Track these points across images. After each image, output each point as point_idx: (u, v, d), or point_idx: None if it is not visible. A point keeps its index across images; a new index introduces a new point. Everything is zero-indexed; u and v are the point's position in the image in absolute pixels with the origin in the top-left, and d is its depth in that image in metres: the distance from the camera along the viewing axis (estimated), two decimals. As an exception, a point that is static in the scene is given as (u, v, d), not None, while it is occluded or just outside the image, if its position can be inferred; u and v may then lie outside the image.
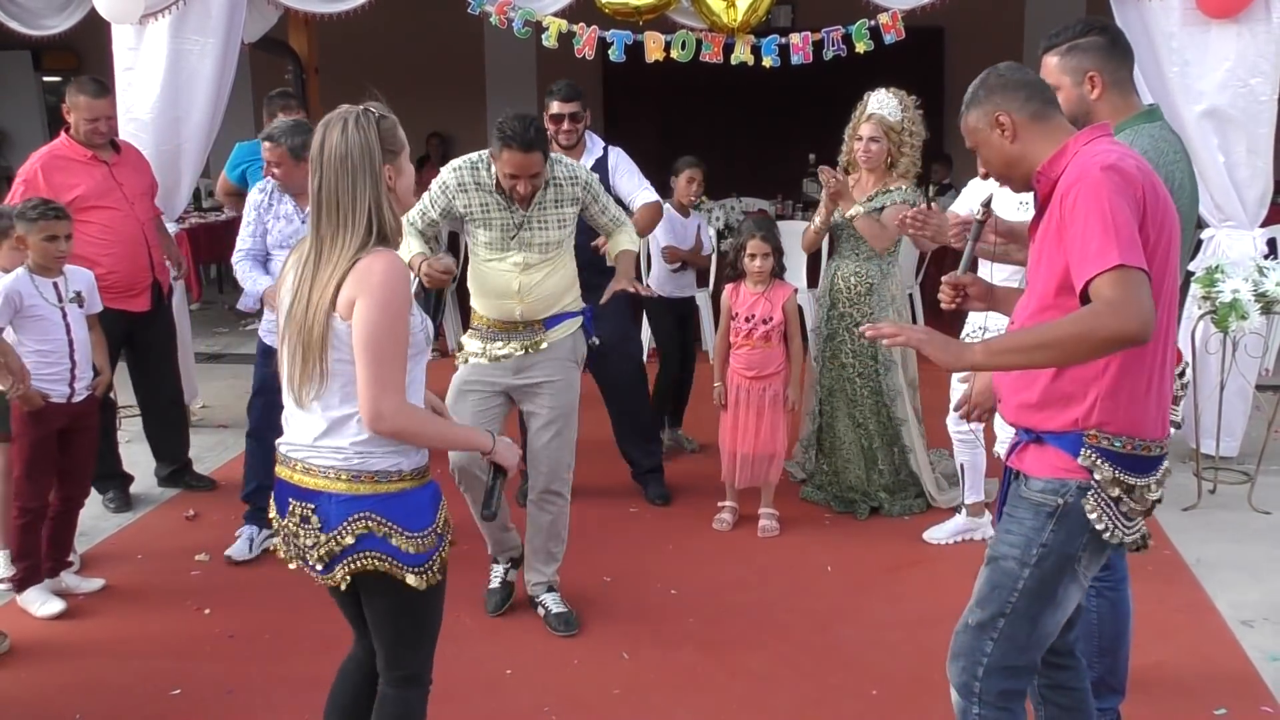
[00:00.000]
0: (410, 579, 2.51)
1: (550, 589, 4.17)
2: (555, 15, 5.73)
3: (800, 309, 5.00)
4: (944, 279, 2.82)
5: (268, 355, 4.69)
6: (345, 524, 2.47)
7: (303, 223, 4.61)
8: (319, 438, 2.50)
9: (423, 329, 2.56)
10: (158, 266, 5.26)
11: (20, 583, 4.21)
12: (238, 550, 4.69)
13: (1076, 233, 2.30)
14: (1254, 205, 5.43)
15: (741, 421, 4.86)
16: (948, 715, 3.46)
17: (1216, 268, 5.06)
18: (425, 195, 4.00)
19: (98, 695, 3.67)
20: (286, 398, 2.56)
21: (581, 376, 4.19)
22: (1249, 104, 5.27)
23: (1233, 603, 4.17)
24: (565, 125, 4.99)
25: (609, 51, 5.71)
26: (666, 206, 5.56)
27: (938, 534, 4.76)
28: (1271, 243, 6.11)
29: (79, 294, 4.23)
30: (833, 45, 5.61)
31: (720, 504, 5.05)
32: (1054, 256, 2.39)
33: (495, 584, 4.29)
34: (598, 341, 4.19)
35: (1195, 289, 5.08)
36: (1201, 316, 5.08)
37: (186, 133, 5.97)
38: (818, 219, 5.00)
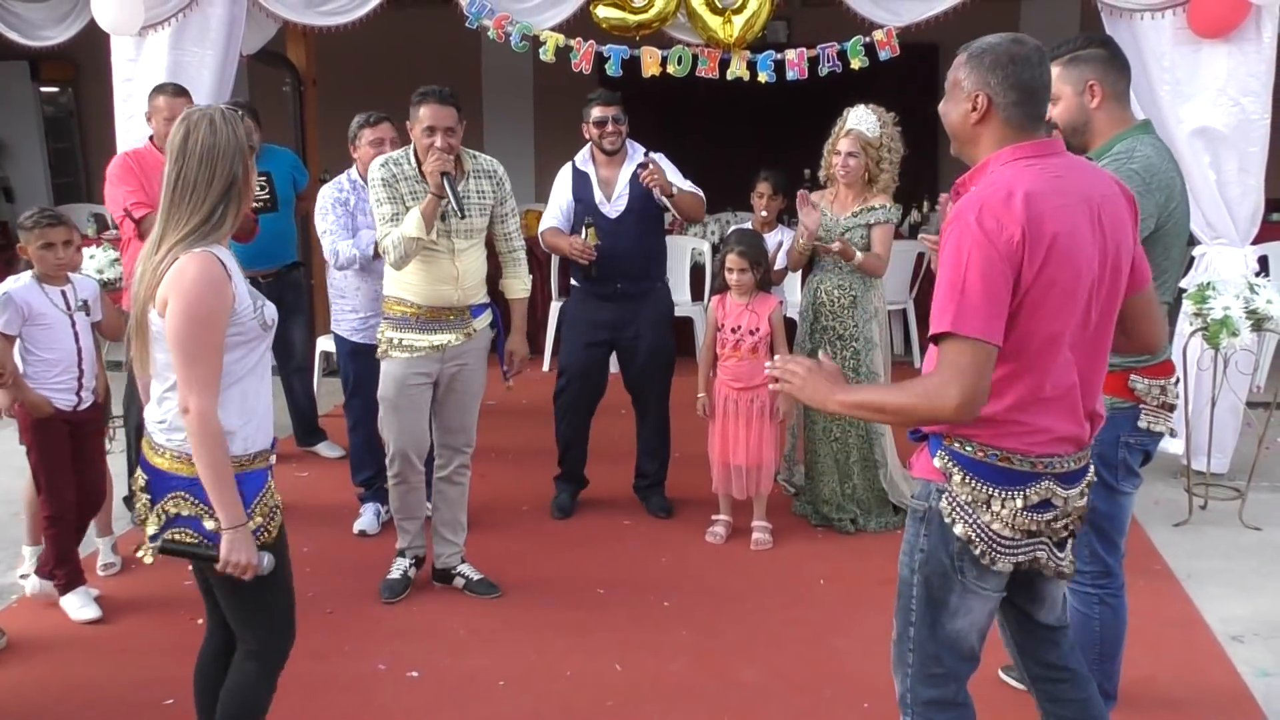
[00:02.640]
0: (222, 544, 2.63)
1: (463, 559, 4.50)
2: (552, 30, 5.76)
3: (786, 320, 5.00)
4: None
5: (354, 354, 4.99)
6: (165, 499, 2.69)
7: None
8: (153, 409, 2.73)
9: (256, 316, 2.69)
10: None
11: (63, 587, 4.29)
12: (367, 524, 5.09)
13: (940, 277, 2.28)
14: (1245, 223, 5.46)
15: (730, 433, 4.87)
16: (939, 728, 3.50)
17: (1208, 284, 5.09)
18: (376, 205, 4.18)
19: (91, 703, 3.68)
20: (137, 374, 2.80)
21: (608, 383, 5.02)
22: (1240, 122, 5.30)
23: (1223, 618, 4.19)
24: (609, 128, 5.04)
25: (606, 66, 5.74)
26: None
27: None
28: (1263, 260, 6.15)
29: (85, 302, 4.25)
30: (828, 62, 5.64)
31: (714, 517, 5.06)
32: None
33: (396, 575, 4.47)
34: (500, 333, 4.50)
35: (1187, 305, 5.11)
36: (1193, 333, 5.12)
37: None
38: (800, 240, 4.97)
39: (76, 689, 3.77)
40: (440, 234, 4.11)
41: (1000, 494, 2.36)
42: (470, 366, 4.32)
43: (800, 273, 6.63)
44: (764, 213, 5.71)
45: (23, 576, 4.48)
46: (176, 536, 2.69)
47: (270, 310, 2.77)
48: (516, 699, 3.70)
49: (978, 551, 2.38)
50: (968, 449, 2.37)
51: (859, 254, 4.82)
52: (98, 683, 3.81)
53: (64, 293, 4.19)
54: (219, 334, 2.60)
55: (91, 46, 6.30)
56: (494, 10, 5.74)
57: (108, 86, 6.02)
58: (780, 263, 5.61)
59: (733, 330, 4.82)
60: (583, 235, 4.97)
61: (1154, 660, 3.83)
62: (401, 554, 4.50)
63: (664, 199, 4.96)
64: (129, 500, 4.99)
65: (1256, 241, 5.60)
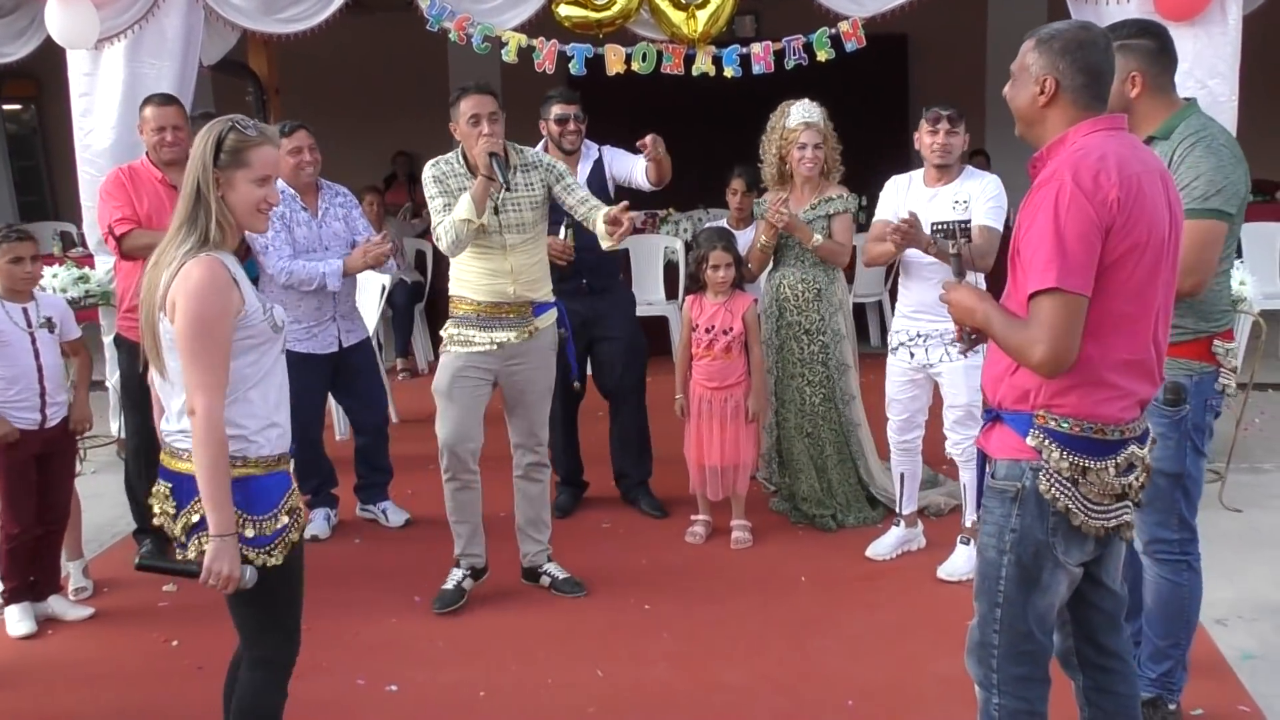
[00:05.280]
0: (254, 558, 2.65)
1: (549, 557, 4.47)
2: (515, 30, 5.71)
3: (759, 319, 4.97)
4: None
5: (296, 365, 4.84)
6: (194, 503, 2.65)
7: (320, 228, 4.93)
8: (172, 421, 2.73)
9: (266, 318, 2.72)
10: None
11: (7, 597, 4.27)
12: (318, 529, 5.05)
13: (1033, 236, 2.38)
14: (1215, 204, 5.44)
15: (706, 433, 4.83)
16: (923, 725, 3.47)
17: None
18: (430, 200, 4.20)
19: (62, 731, 3.62)
20: (153, 382, 2.79)
21: (586, 386, 5.01)
22: (1208, 105, 5.23)
23: (1206, 601, 4.09)
24: (570, 126, 5.02)
25: (569, 65, 5.69)
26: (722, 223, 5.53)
27: (880, 550, 4.65)
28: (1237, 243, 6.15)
29: (49, 319, 4.21)
30: (794, 54, 5.61)
31: (693, 517, 5.02)
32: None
33: (450, 586, 4.38)
34: (567, 332, 4.49)
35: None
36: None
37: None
38: (763, 237, 4.91)
39: (48, 715, 3.70)
40: (491, 230, 4.08)
41: (1095, 464, 2.47)
42: (533, 366, 4.27)
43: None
44: (737, 209, 5.66)
45: None
46: (207, 541, 2.64)
47: (279, 312, 2.81)
48: (498, 709, 3.65)
49: (1077, 523, 2.48)
50: (1064, 425, 2.46)
51: (817, 236, 4.75)
52: (70, 709, 3.74)
53: (25, 310, 4.15)
54: (225, 336, 2.61)
55: (52, 62, 6.22)
56: (454, 12, 5.69)
57: (68, 104, 5.94)
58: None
59: (707, 330, 4.78)
60: (561, 235, 4.89)
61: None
62: (457, 563, 4.42)
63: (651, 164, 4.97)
64: (139, 533, 4.95)
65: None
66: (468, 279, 4.21)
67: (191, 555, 2.67)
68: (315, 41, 6.03)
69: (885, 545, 4.66)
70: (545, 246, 4.33)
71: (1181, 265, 2.90)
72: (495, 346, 4.19)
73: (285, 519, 2.72)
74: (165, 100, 4.82)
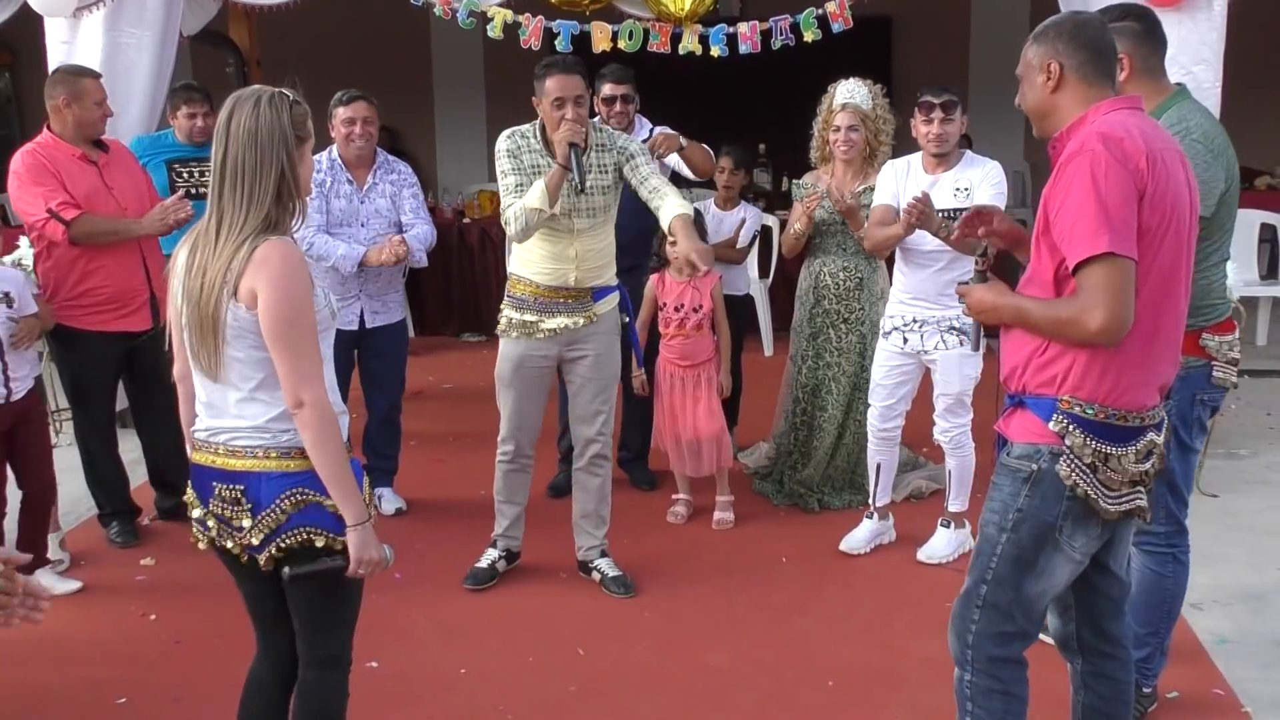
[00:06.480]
0: (351, 542, 2.49)
1: (604, 553, 4.35)
2: (500, 5, 5.66)
3: (752, 299, 4.95)
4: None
5: None
6: (278, 500, 2.49)
7: (361, 203, 4.80)
8: (240, 418, 2.51)
9: (326, 305, 2.56)
10: (155, 279, 4.59)
11: None
12: None
13: (1070, 208, 2.35)
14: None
15: (679, 408, 4.81)
16: (903, 705, 3.50)
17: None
18: (501, 177, 4.06)
19: (39, 703, 3.60)
20: (198, 380, 2.56)
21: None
22: (1193, 90, 5.28)
23: (1182, 586, 4.20)
24: (618, 107, 4.91)
25: (555, 42, 5.65)
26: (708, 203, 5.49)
27: (854, 543, 4.59)
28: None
29: (7, 294, 4.12)
30: (780, 34, 5.59)
31: (674, 496, 5.02)
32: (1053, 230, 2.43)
33: (484, 564, 4.35)
34: (629, 317, 4.39)
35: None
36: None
37: (124, 129, 5.80)
38: (798, 225, 4.81)
39: (24, 691, 3.68)
40: (561, 213, 3.97)
41: (1116, 450, 2.47)
42: (596, 352, 4.17)
43: (758, 250, 6.57)
44: (724, 188, 5.62)
45: None
46: (297, 538, 2.49)
47: (333, 299, 2.65)
48: (479, 688, 3.65)
49: (1096, 508, 2.47)
50: (1089, 411, 2.45)
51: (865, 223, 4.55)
52: (46, 684, 3.72)
53: None
54: (314, 321, 2.47)
55: (29, 30, 6.11)
56: (440, -14, 5.64)
57: (45, 72, 5.85)
58: (744, 240, 5.55)
59: (676, 309, 4.75)
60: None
61: (1116, 630, 3.83)
62: (494, 543, 4.40)
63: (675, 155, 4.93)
64: (105, 516, 4.85)
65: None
66: (530, 260, 4.11)
67: (273, 555, 2.50)
68: (296, 14, 5.96)
69: (859, 539, 4.60)
70: (613, 230, 4.19)
71: None
72: (553, 332, 4.11)
73: (367, 503, 2.57)
74: (90, 72, 4.63)
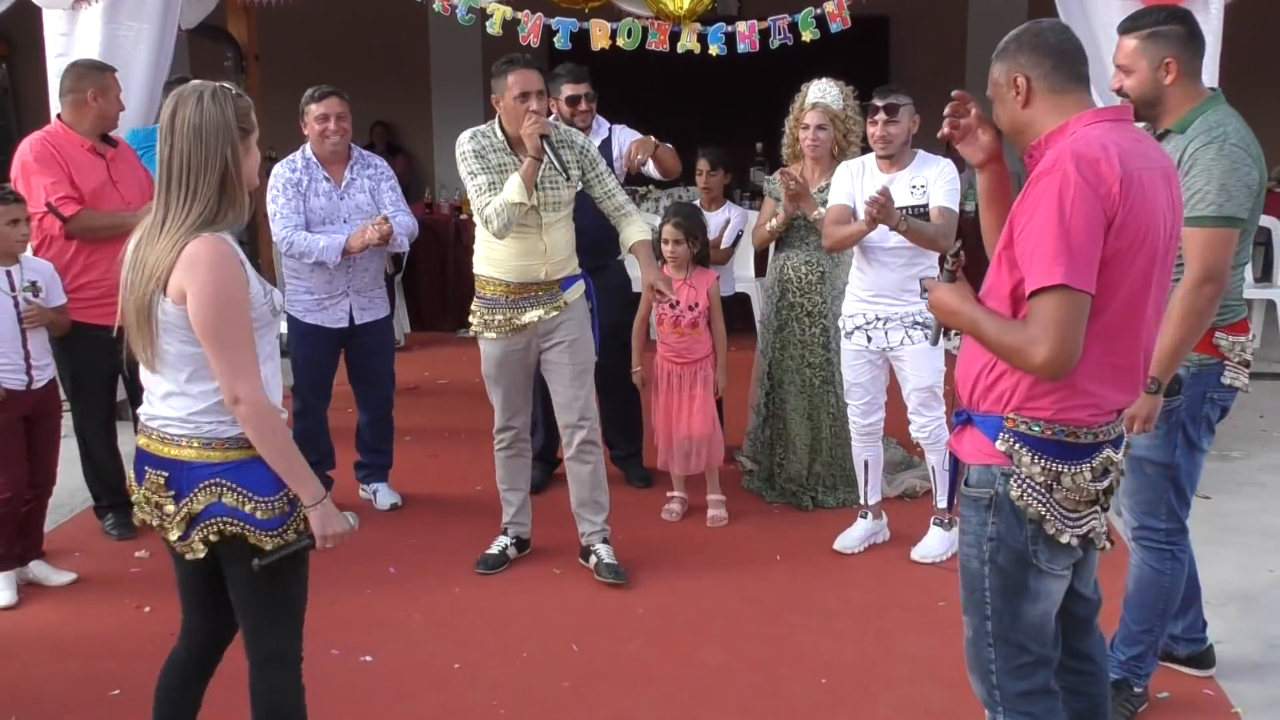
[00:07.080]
0: (266, 543, 2.55)
1: (604, 540, 4.38)
2: (500, 2, 5.67)
3: (748, 297, 4.97)
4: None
5: (304, 336, 4.89)
6: (196, 490, 2.55)
7: (341, 199, 4.80)
8: (168, 406, 2.57)
9: (267, 301, 2.59)
10: None
11: None
12: None
13: (1034, 229, 2.26)
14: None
15: (675, 405, 4.84)
16: (894, 701, 3.52)
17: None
18: (470, 178, 4.09)
19: (34, 696, 3.59)
20: (141, 368, 2.63)
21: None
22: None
23: (1174, 586, 4.21)
24: (581, 106, 4.93)
25: (554, 39, 5.66)
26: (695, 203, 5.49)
27: (848, 543, 4.60)
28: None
29: (34, 283, 4.15)
30: (779, 34, 5.60)
31: (669, 494, 5.03)
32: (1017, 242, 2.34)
33: (495, 550, 4.42)
34: (593, 304, 4.40)
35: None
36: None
37: (121, 121, 5.82)
38: (775, 221, 4.89)
39: (17, 685, 3.68)
40: (529, 209, 4.03)
41: (1069, 469, 2.37)
42: (570, 338, 4.24)
43: (756, 253, 6.56)
44: (704, 188, 5.63)
45: None
46: (217, 528, 2.54)
47: (278, 296, 2.67)
48: (472, 682, 3.66)
49: (1051, 531, 2.38)
50: (1035, 429, 2.36)
51: (820, 209, 4.64)
52: (40, 678, 3.72)
53: (9, 272, 4.10)
54: (247, 316, 2.50)
55: (27, 21, 6.12)
56: (440, -17, 5.65)
57: (42, 64, 5.86)
58: (727, 241, 5.58)
59: (672, 306, 4.78)
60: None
61: (1105, 630, 3.83)
62: (504, 530, 4.47)
63: (649, 161, 4.96)
64: (102, 508, 4.86)
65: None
66: (497, 259, 4.15)
67: (198, 545, 2.56)
68: (295, 8, 5.97)
69: (853, 538, 4.61)
70: (573, 222, 4.26)
71: (1200, 274, 2.89)
72: (526, 325, 4.17)
73: (294, 500, 2.60)
74: (106, 66, 4.71)
